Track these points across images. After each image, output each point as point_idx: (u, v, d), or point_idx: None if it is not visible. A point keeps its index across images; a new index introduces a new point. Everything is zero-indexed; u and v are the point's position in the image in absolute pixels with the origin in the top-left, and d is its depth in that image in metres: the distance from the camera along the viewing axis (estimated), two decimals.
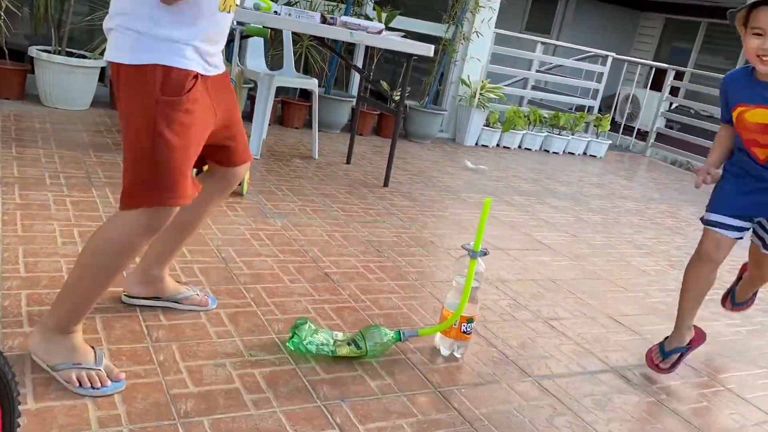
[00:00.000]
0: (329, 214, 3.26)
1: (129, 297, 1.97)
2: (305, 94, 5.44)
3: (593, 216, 4.35)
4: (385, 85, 5.71)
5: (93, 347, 1.63)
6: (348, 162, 4.46)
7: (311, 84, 4.30)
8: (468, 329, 2.07)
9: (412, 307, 2.39)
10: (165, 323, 1.91)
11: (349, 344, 1.92)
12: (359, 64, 5.47)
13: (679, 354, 2.22)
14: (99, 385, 1.53)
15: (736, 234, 2.12)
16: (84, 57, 4.44)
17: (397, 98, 4.54)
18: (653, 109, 7.84)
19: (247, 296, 2.19)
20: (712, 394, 2.19)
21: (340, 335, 1.97)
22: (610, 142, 7.26)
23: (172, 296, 1.99)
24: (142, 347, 1.77)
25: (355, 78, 5.81)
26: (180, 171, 1.53)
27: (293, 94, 5.60)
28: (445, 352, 2.09)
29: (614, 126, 8.14)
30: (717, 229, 2.12)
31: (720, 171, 2.14)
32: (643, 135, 8.10)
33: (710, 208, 2.16)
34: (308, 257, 2.64)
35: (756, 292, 2.64)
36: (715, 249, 2.13)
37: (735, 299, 2.64)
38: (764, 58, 1.89)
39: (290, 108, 5.30)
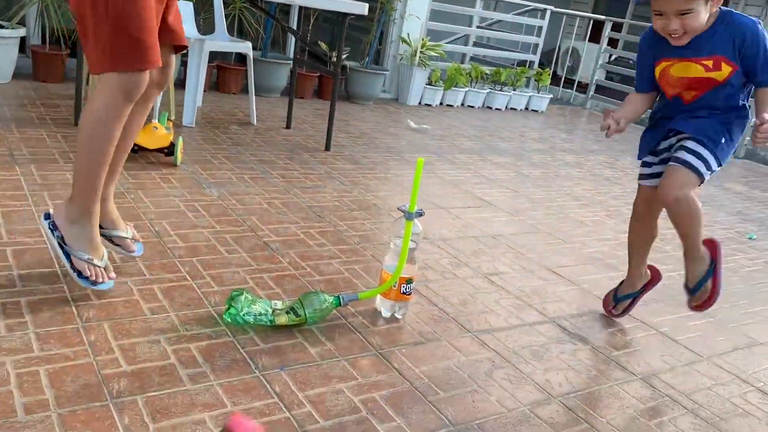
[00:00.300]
0: (268, 182, 3.21)
1: None
2: (242, 59, 5.29)
3: (534, 170, 4.40)
4: (323, 46, 5.60)
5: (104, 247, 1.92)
6: (288, 127, 4.38)
7: (245, 47, 4.17)
8: (408, 290, 2.08)
9: (354, 272, 2.39)
10: (96, 302, 1.86)
11: (287, 312, 1.91)
12: (295, 26, 5.34)
13: (630, 299, 2.32)
14: (100, 280, 1.83)
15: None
16: (1, 27, 4.19)
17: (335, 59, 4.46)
18: (593, 62, 7.94)
19: (182, 270, 2.14)
20: (646, 338, 2.27)
21: (279, 304, 1.95)
22: (552, 96, 7.33)
23: (109, 228, 2.02)
24: (71, 328, 1.72)
25: (293, 40, 5.67)
26: (144, 34, 1.66)
27: (229, 58, 5.44)
28: (386, 314, 2.09)
29: (556, 80, 8.22)
30: (644, 182, 2.17)
31: (625, 126, 2.01)
32: (583, 87, 8.21)
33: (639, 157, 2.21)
34: (246, 226, 2.60)
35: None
36: (647, 207, 2.20)
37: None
38: (673, 36, 1.90)
39: (226, 73, 5.16)
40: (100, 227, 1.97)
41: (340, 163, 3.77)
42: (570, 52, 9.79)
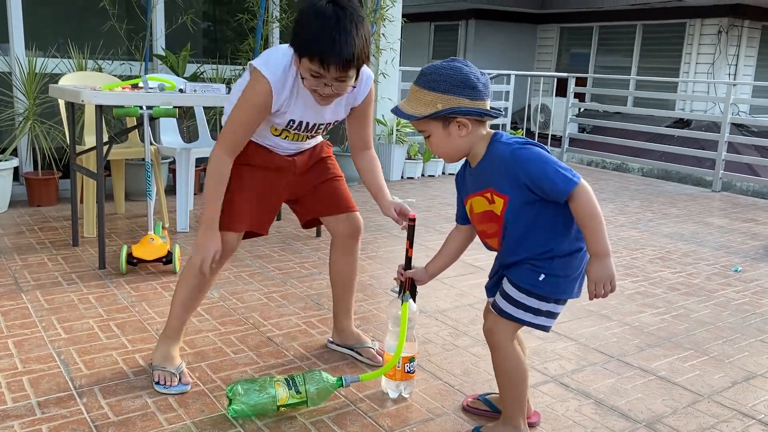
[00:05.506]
0: (266, 276, 3.32)
1: (331, 342, 2.51)
2: None
3: None
4: None
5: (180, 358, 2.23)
6: (278, 218, 4.53)
7: None
8: (411, 368, 2.15)
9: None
10: (114, 419, 1.93)
11: (287, 381, 1.98)
12: None
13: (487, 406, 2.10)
14: (170, 384, 2.10)
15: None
16: None
17: None
18: (563, 115, 8.25)
19: (192, 377, 2.22)
20: (645, 384, 2.35)
21: (277, 376, 2.02)
22: None
23: (355, 344, 2.44)
24: None
25: None
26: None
27: None
28: (393, 394, 2.17)
29: (530, 136, 8.51)
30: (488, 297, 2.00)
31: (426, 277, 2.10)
32: (558, 140, 8.49)
33: None
34: (249, 324, 2.69)
35: None
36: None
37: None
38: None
39: None
40: (347, 346, 2.45)
41: None
42: (540, 108, 10.16)
